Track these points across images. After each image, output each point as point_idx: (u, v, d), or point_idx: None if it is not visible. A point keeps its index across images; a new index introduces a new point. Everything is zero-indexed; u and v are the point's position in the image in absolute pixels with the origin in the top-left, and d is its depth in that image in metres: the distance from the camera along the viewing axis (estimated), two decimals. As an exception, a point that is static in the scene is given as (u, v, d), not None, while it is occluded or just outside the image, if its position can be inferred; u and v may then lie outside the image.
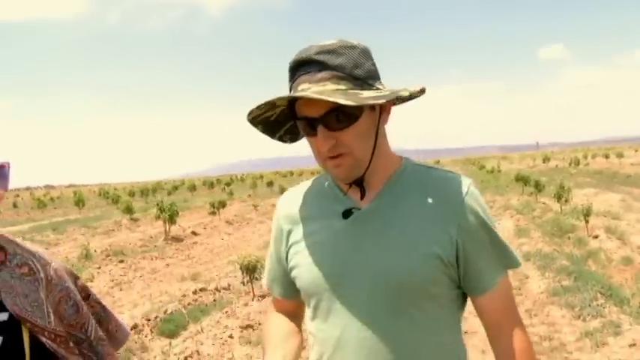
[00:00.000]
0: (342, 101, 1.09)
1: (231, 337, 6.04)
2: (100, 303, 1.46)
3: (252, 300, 7.58)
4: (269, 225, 18.52)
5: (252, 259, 7.54)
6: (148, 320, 6.87)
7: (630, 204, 16.54)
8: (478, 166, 56.64)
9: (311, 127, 1.22)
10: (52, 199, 51.10)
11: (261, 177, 74.15)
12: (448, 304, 1.32)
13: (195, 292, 8.42)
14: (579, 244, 10.23)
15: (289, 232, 1.40)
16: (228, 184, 54.86)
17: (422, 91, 1.29)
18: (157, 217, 15.77)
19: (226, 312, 7.07)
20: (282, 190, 28.52)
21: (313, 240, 1.34)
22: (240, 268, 7.63)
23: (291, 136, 1.40)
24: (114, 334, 1.47)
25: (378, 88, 1.24)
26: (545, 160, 60.12)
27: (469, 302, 1.38)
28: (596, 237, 10.53)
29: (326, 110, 1.17)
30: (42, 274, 1.33)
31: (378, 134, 1.27)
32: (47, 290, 1.32)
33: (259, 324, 6.47)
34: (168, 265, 12.05)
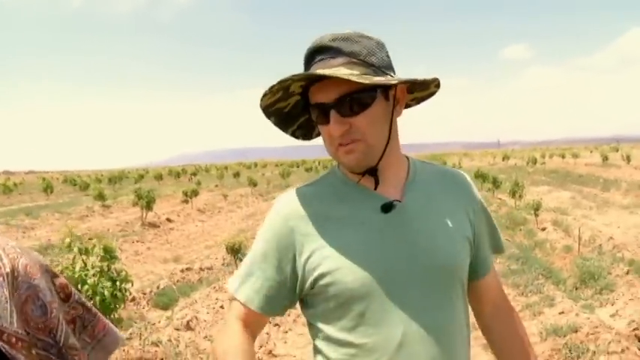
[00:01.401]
0: (356, 79, 1.12)
1: (222, 307, 6.87)
2: (84, 305, 1.29)
3: (237, 277, 8.42)
4: (239, 213, 19.48)
5: (237, 241, 8.36)
6: (144, 294, 7.65)
7: (579, 201, 17.84)
8: (440, 162, 57.88)
9: (324, 114, 1.22)
10: (15, 184, 50.74)
11: (226, 168, 74.51)
12: (465, 286, 1.38)
13: (182, 271, 9.23)
14: (529, 235, 11.34)
15: (306, 237, 1.29)
16: (194, 174, 55.26)
17: (437, 85, 1.35)
18: (135, 204, 16.40)
19: (214, 287, 7.89)
20: (251, 181, 29.28)
21: (349, 240, 1.26)
22: (227, 249, 8.44)
23: (304, 132, 1.41)
24: (101, 339, 1.32)
25: (391, 76, 1.25)
26: (505, 158, 62.02)
27: None
28: (544, 229, 11.68)
29: (338, 95, 1.18)
30: (7, 269, 1.14)
31: (392, 125, 1.27)
32: (12, 287, 1.13)
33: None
34: (149, 248, 12.78)
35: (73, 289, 1.25)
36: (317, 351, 1.34)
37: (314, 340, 1.35)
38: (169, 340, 5.63)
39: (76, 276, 4.42)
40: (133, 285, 5.01)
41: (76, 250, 4.64)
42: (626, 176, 25.55)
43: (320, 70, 1.18)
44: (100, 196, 22.33)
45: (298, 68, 1.26)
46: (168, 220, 17.48)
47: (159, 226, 16.26)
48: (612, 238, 10.24)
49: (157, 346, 5.44)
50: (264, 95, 1.23)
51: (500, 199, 18.41)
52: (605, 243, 9.87)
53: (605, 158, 41.67)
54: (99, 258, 4.63)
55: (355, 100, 1.18)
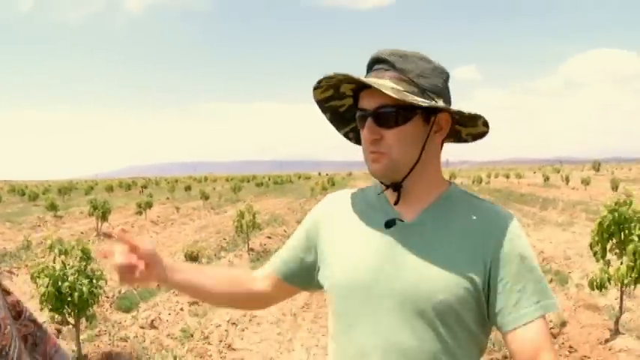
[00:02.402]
0: (387, 91, 1.17)
1: (182, 309, 7.38)
2: (35, 322, 1.23)
3: (195, 283, 8.93)
4: (192, 226, 19.88)
5: (194, 249, 8.88)
6: (107, 297, 8.07)
7: (518, 219, 18.80)
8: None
9: (363, 120, 1.27)
10: (-42, 194, 49.62)
11: (177, 181, 74.24)
12: (475, 330, 1.30)
13: (141, 278, 9.67)
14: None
15: (324, 228, 1.44)
16: (144, 187, 55.00)
17: (484, 124, 1.33)
18: (90, 214, 16.62)
19: (173, 292, 8.36)
20: (203, 195, 29.63)
21: (352, 243, 1.34)
22: (185, 256, 8.94)
23: (357, 136, 1.42)
24: (52, 356, 1.26)
25: (435, 102, 1.26)
26: (452, 177, 63.73)
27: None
28: (482, 243, 12.56)
29: (378, 105, 1.23)
30: None
31: (425, 147, 1.28)
32: None
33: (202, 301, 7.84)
34: (106, 257, 13.07)
35: (24, 306, 1.18)
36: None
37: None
38: (136, 337, 6.14)
39: (57, 274, 4.89)
40: (106, 283, 5.49)
41: (56, 251, 5.10)
42: (564, 196, 27.02)
43: (373, 78, 1.24)
44: (52, 207, 22.37)
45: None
46: (123, 230, 17.72)
47: (113, 237, 16.52)
48: (543, 252, 11.22)
49: (125, 341, 5.94)
50: (315, 89, 1.32)
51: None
52: (536, 256, 10.77)
53: (547, 179, 43.59)
54: (77, 259, 5.11)
55: (392, 114, 1.23)
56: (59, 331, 6.58)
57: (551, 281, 8.36)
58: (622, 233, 5.32)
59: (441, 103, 1.26)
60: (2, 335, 1.03)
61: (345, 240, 1.36)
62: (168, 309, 7.31)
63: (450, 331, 1.25)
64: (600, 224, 5.44)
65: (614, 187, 28.97)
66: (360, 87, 1.29)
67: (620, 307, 5.69)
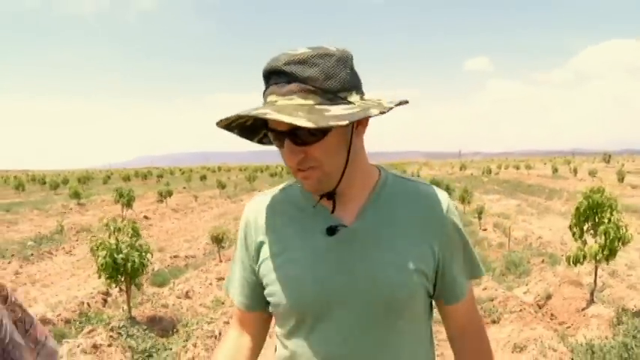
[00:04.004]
0: (301, 123, 1.03)
1: (211, 284, 8.30)
2: (21, 307, 1.21)
3: (221, 262, 9.83)
4: (211, 213, 20.84)
5: (220, 231, 9.77)
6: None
7: (523, 208, 19.71)
8: (399, 170, 59.88)
9: (280, 140, 1.18)
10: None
11: (191, 171, 75.36)
12: (422, 315, 1.32)
13: (171, 258, 10.62)
14: (472, 234, 12.99)
15: (261, 244, 1.33)
16: (160, 177, 56.15)
17: (400, 104, 1.23)
18: (116, 201, 17.60)
19: (202, 269, 9.30)
20: (219, 184, 30.57)
21: (293, 257, 1.27)
22: (211, 238, 9.84)
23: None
24: (45, 343, 1.24)
25: (350, 102, 1.15)
26: (462, 168, 64.44)
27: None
28: (485, 230, 13.39)
29: (291, 126, 1.12)
30: None
31: (350, 148, 1.21)
32: None
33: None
34: (134, 240, 14.08)
35: (8, 290, 1.17)
36: (278, 344, 1.39)
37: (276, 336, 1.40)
38: (174, 305, 7.06)
39: (112, 248, 5.81)
40: (152, 256, 6.41)
41: (111, 228, 6.01)
42: (570, 187, 27.68)
43: (274, 95, 1.13)
44: (76, 195, 23.40)
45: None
46: (146, 217, 18.71)
47: (137, 223, 17.48)
48: (541, 237, 12.05)
49: (166, 308, 6.87)
50: (219, 122, 1.17)
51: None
52: (535, 241, 11.66)
53: (555, 170, 44.13)
54: (128, 235, 6.03)
55: (309, 130, 1.12)
56: (107, 295, 7.55)
57: (543, 262, 9.22)
58: (595, 217, 6.15)
59: (354, 98, 1.17)
60: None
61: (286, 253, 1.28)
62: (199, 283, 8.23)
63: (408, 326, 1.27)
64: (577, 209, 6.27)
65: (620, 179, 29.59)
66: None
67: (595, 281, 6.52)
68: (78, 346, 5.05)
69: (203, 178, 45.53)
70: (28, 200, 27.82)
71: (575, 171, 40.64)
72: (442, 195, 1.34)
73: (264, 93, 1.17)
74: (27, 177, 58.48)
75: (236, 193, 30.98)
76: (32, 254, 11.46)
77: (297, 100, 1.11)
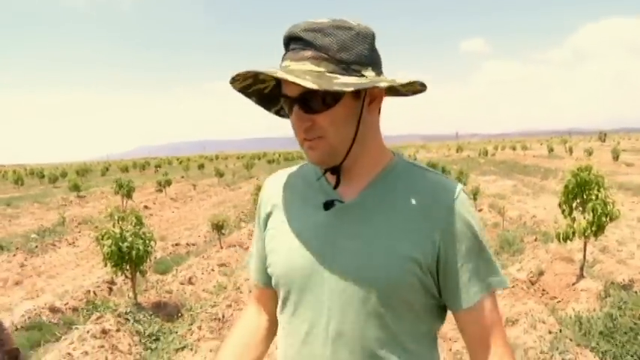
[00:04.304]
0: (305, 84, 1.03)
1: (212, 270, 8.52)
2: None
3: (222, 249, 10.05)
4: (210, 202, 21.04)
5: (220, 219, 9.98)
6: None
7: (519, 189, 19.96)
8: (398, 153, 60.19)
9: (290, 107, 1.18)
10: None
11: (189, 160, 75.54)
12: (423, 313, 1.24)
13: (172, 246, 10.84)
14: (467, 215, 13.25)
15: (269, 215, 1.37)
16: (158, 167, 56.30)
17: (421, 85, 1.24)
18: (116, 193, 17.79)
19: (203, 256, 9.51)
20: (218, 172, 30.76)
21: (291, 227, 1.29)
22: (212, 225, 10.05)
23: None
24: (7, 340, 1.17)
25: (363, 75, 1.14)
26: (459, 150, 64.69)
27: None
28: (480, 210, 13.62)
29: (302, 91, 1.12)
30: None
31: (360, 123, 1.19)
32: None
33: (230, 263, 8.99)
34: (135, 230, 14.30)
35: None
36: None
37: None
38: (177, 290, 7.28)
39: (117, 236, 6.01)
40: (156, 243, 6.62)
41: (116, 218, 6.21)
42: (565, 166, 27.84)
43: (288, 61, 1.14)
44: (76, 187, 23.58)
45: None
46: (146, 207, 18.91)
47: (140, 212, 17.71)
48: (535, 216, 12.28)
49: (170, 293, 7.09)
50: (233, 81, 1.18)
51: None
52: (529, 220, 11.90)
53: (551, 150, 44.37)
54: (132, 224, 6.22)
55: (319, 97, 1.12)
56: (112, 284, 7.76)
57: (536, 239, 9.45)
58: (584, 194, 6.36)
59: (369, 74, 1.16)
60: None
61: (286, 225, 1.30)
62: (201, 269, 8.44)
63: (395, 317, 1.20)
64: (566, 187, 6.48)
65: (615, 157, 29.83)
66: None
67: (584, 256, 6.74)
68: (88, 332, 5.26)
69: (201, 166, 45.71)
70: (27, 194, 27.98)
71: (571, 150, 40.91)
72: (453, 186, 1.24)
73: (281, 59, 1.19)
74: (25, 171, 58.59)
75: (234, 181, 31.18)
76: (36, 246, 11.66)
77: (309, 66, 1.12)
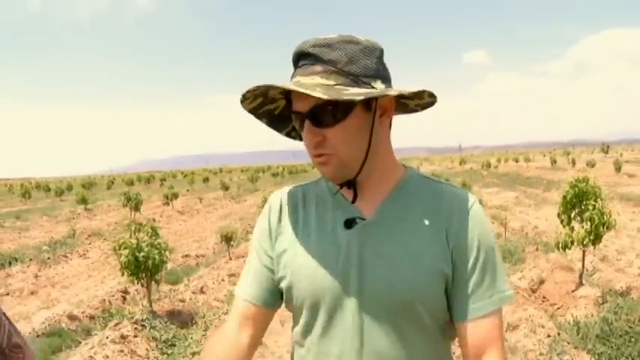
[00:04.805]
0: (315, 94, 1.05)
1: (223, 280, 8.77)
2: (4, 313, 1.13)
3: (231, 260, 10.31)
4: (216, 214, 21.31)
5: (229, 231, 10.25)
6: (157, 272, 9.51)
7: (521, 200, 20.19)
8: (402, 166, 60.61)
9: (301, 122, 1.18)
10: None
11: (193, 173, 75.94)
12: (436, 330, 1.25)
13: (182, 257, 11.11)
14: (470, 226, 13.50)
15: (281, 234, 1.32)
16: (163, 180, 56.69)
17: (430, 96, 1.23)
18: (124, 205, 18.09)
19: (213, 267, 9.77)
20: (223, 185, 31.06)
21: (312, 248, 1.25)
22: (221, 237, 10.31)
23: (300, 133, 1.25)
24: (27, 348, 1.15)
25: (373, 87, 1.15)
26: (462, 162, 64.94)
27: None
28: (483, 221, 13.90)
29: (312, 105, 1.13)
30: None
31: (372, 136, 1.19)
32: None
33: (239, 273, 9.24)
34: (144, 242, 14.58)
35: None
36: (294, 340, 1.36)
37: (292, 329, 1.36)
38: (190, 299, 7.54)
39: (134, 246, 6.28)
40: (171, 253, 6.89)
41: (132, 229, 6.48)
42: (568, 178, 28.11)
43: (298, 77, 1.15)
44: (83, 200, 23.90)
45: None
46: (154, 220, 19.16)
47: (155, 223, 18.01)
48: (537, 227, 12.53)
49: (183, 302, 7.35)
50: (244, 100, 1.19)
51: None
52: (531, 231, 12.15)
53: (554, 162, 44.61)
54: (148, 234, 6.50)
55: (329, 111, 1.13)
56: (126, 293, 8.02)
57: (537, 249, 9.70)
58: (582, 204, 6.62)
59: (378, 86, 1.17)
60: None
61: (305, 245, 1.26)
62: (212, 279, 8.70)
63: (425, 330, 1.22)
64: (564, 197, 6.75)
65: (618, 169, 30.05)
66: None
67: (583, 264, 6.98)
68: (107, 337, 5.52)
69: (206, 180, 46.06)
70: (35, 207, 28.31)
71: (574, 162, 41.15)
72: (468, 197, 1.27)
73: (291, 77, 1.20)
74: (30, 185, 59.01)
75: (240, 194, 31.45)
76: (49, 258, 11.94)
77: (318, 80, 1.13)
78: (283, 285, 1.28)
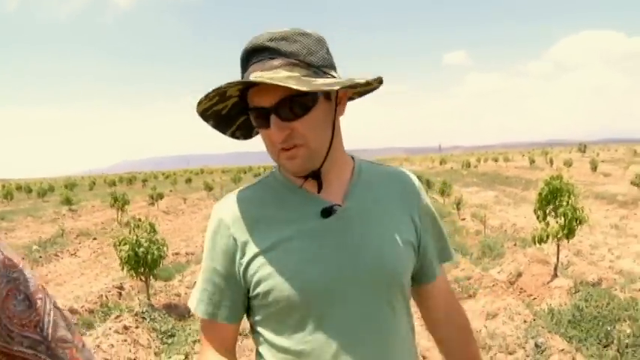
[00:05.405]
0: (296, 86, 1.04)
1: (214, 275, 9.11)
2: (54, 303, 1.06)
3: (221, 257, 10.65)
4: (201, 214, 21.62)
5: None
6: (150, 269, 9.81)
7: (500, 199, 20.74)
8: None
9: (264, 118, 1.15)
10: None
11: (174, 174, 75.92)
12: (409, 296, 1.33)
13: (173, 255, 11.42)
14: (451, 224, 13.94)
15: (245, 243, 1.23)
16: (145, 181, 56.63)
17: (379, 82, 1.24)
18: (111, 206, 18.29)
19: (204, 264, 10.09)
20: (207, 186, 31.28)
21: (289, 246, 1.20)
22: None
23: (244, 132, 1.32)
24: (81, 350, 1.08)
25: (333, 77, 1.18)
26: (442, 162, 65.77)
27: None
28: (463, 219, 14.36)
29: (279, 99, 1.11)
30: None
31: (335, 126, 1.22)
32: None
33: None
34: (133, 242, 14.84)
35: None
36: (259, 356, 1.28)
37: (257, 346, 1.29)
38: (185, 294, 7.87)
39: (133, 242, 6.59)
40: (168, 249, 7.21)
41: (132, 225, 6.79)
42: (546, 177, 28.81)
43: (258, 71, 1.12)
44: (67, 201, 24.01)
45: (238, 74, 1.19)
46: (140, 220, 19.40)
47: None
48: (515, 224, 13.01)
49: (178, 296, 7.67)
50: (200, 102, 1.15)
51: (431, 197, 21.13)
52: (509, 228, 12.63)
53: (533, 162, 45.41)
54: (147, 231, 6.81)
55: (296, 103, 1.12)
56: (121, 289, 8.32)
57: (515, 245, 10.16)
58: (556, 201, 7.05)
59: (337, 75, 1.20)
60: (35, 311, 0.98)
61: (280, 244, 1.20)
62: (205, 275, 9.03)
63: (405, 300, 1.29)
64: (540, 194, 7.19)
65: (594, 168, 30.78)
66: (248, 85, 1.16)
67: (557, 257, 7.42)
68: (110, 328, 5.83)
69: (188, 181, 46.22)
70: (18, 208, 28.25)
71: (552, 162, 41.95)
72: (412, 175, 1.40)
73: (243, 75, 1.17)
74: (10, 186, 58.59)
75: (223, 194, 31.46)
76: (40, 257, 12.16)
77: (283, 73, 1.11)
78: (260, 290, 1.21)
